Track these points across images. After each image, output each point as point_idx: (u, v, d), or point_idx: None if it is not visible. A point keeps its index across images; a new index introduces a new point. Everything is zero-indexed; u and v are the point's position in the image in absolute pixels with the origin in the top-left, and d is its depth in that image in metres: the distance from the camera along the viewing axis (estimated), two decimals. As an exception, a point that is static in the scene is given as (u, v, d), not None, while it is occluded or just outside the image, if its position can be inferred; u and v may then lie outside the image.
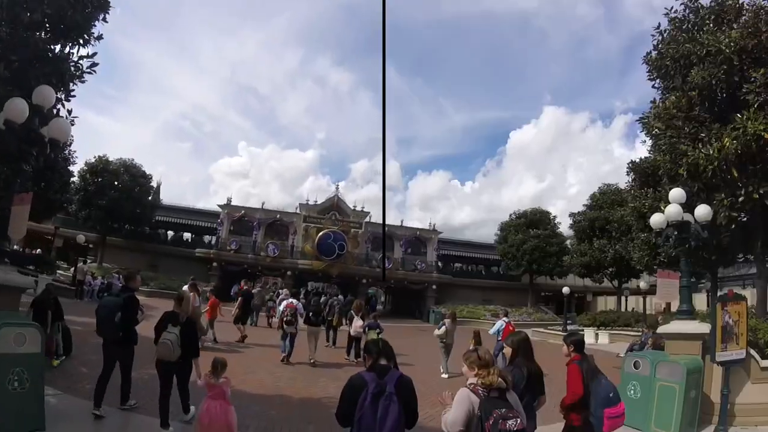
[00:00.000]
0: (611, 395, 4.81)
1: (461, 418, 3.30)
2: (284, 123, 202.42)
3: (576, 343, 5.31)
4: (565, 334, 6.29)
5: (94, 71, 8.90)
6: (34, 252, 30.60)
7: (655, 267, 21.82)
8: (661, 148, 14.06)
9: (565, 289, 29.85)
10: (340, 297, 28.46)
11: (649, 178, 21.46)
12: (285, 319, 12.67)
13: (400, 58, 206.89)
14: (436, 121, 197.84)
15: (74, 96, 8.95)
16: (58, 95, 8.06)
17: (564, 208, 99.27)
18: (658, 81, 15.97)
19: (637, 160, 22.50)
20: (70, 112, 8.70)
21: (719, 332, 7.92)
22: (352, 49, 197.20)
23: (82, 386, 8.04)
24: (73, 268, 26.32)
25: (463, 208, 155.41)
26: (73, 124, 8.27)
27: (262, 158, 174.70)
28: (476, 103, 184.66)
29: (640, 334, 21.62)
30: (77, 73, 8.62)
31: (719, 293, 9.62)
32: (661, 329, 9.82)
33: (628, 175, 23.23)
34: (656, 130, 13.92)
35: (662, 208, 14.16)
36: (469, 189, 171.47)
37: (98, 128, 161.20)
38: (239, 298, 16.54)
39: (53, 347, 9.18)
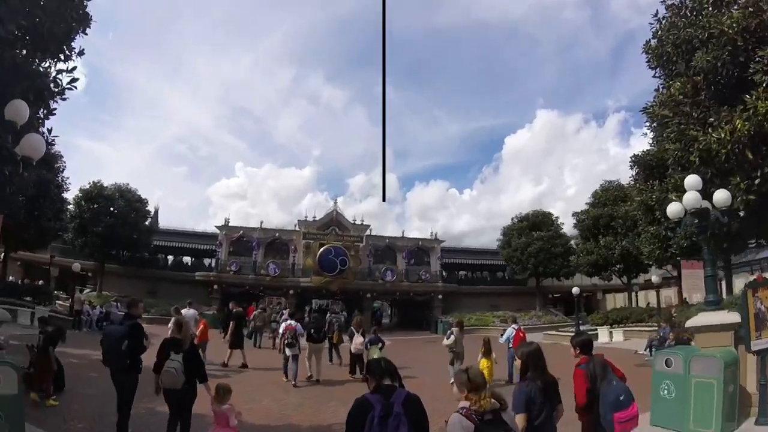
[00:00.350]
0: (621, 398, 4.61)
1: None
2: (280, 141, 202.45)
3: (581, 344, 5.18)
4: (572, 335, 6.00)
5: (75, 87, 8.43)
6: (35, 283, 30.03)
7: (666, 260, 21.41)
8: (669, 136, 13.59)
9: (575, 290, 29.21)
10: (342, 315, 27.82)
11: (654, 170, 21.04)
12: (286, 342, 12.78)
13: (393, 70, 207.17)
14: (431, 132, 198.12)
15: (54, 114, 8.57)
16: (39, 114, 7.81)
17: (563, 209, 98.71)
18: (658, 70, 15.61)
19: (640, 153, 22.19)
20: (50, 131, 8.27)
21: (752, 320, 7.54)
22: (344, 64, 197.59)
23: (73, 425, 7.53)
24: (70, 298, 25.71)
25: (462, 217, 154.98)
26: (53, 144, 7.81)
27: (259, 178, 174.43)
28: (470, 111, 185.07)
29: (656, 329, 21.17)
30: (56, 90, 8.13)
31: (749, 279, 9.09)
32: (690, 322, 9.28)
33: (632, 168, 22.85)
34: (663, 118, 13.45)
35: (673, 198, 13.80)
36: (468, 197, 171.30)
37: (93, 154, 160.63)
38: (231, 322, 15.63)
39: (49, 386, 8.75)
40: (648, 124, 21.89)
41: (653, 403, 8.03)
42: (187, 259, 43.85)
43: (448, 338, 13.36)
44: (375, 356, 11.68)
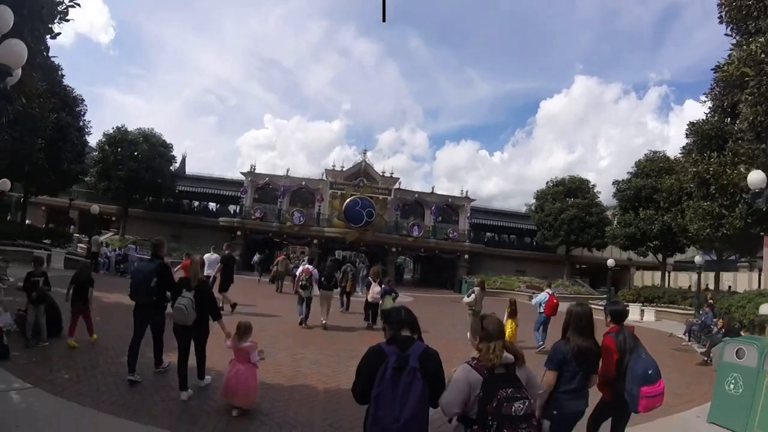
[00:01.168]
0: (650, 372, 4.34)
1: (458, 399, 3.03)
2: (309, 95, 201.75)
3: (614, 313, 4.85)
4: (607, 303, 5.49)
5: (77, 4, 7.49)
6: (58, 226, 29.95)
7: (716, 240, 19.92)
8: (747, 98, 12.07)
9: (610, 261, 28.01)
10: (364, 266, 27.29)
11: (712, 141, 19.49)
12: (300, 284, 13.12)
13: (425, 27, 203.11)
14: (464, 91, 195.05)
15: (56, 36, 7.80)
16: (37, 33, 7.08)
17: (595, 180, 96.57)
18: (730, 27, 14.10)
19: (699, 121, 20.54)
20: (47, 50, 7.43)
21: None
22: (375, 19, 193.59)
23: (58, 377, 6.77)
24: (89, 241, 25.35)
25: (491, 179, 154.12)
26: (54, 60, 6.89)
27: (287, 130, 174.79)
28: (504, 72, 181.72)
29: (692, 312, 20.06)
30: (56, 9, 7.25)
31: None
32: (764, 308, 8.09)
33: (687, 137, 21.29)
34: (743, 76, 11.97)
35: (742, 170, 12.45)
36: (498, 159, 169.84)
37: (123, 106, 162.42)
38: (219, 265, 15.13)
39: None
40: (709, 91, 20.49)
41: (715, 398, 7.16)
42: (212, 205, 43.58)
43: (468, 296, 13.40)
44: (388, 306, 12.17)
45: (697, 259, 22.41)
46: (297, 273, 14.15)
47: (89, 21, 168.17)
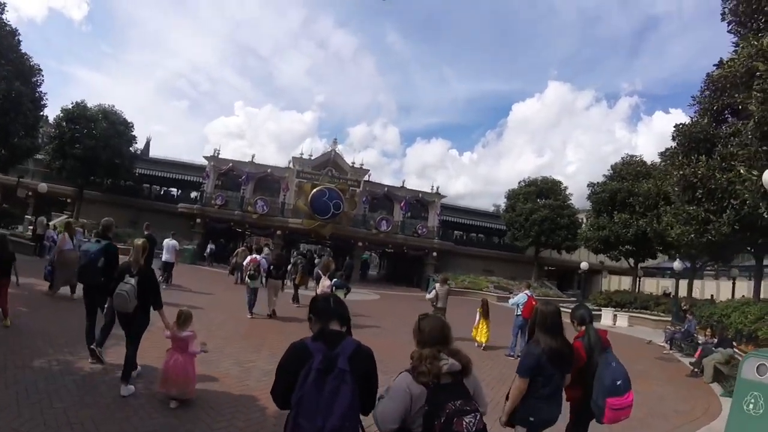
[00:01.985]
0: (619, 383, 4.17)
1: (397, 411, 2.59)
2: (283, 84, 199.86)
3: (578, 318, 4.65)
4: (572, 308, 5.06)
5: None
6: (2, 206, 27.83)
7: (700, 246, 19.28)
8: (756, 95, 11.24)
9: (584, 264, 27.53)
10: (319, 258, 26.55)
11: (700, 144, 18.87)
12: (248, 273, 13.42)
13: (404, 22, 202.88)
14: (439, 89, 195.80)
15: None
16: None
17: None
18: (733, 25, 13.43)
19: (687, 124, 19.96)
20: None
21: None
22: (356, 9, 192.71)
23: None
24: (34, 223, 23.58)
25: (460, 179, 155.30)
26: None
27: (259, 119, 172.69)
28: (480, 72, 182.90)
29: (675, 320, 19.48)
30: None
31: None
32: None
33: (673, 140, 20.67)
34: (751, 72, 11.17)
35: (742, 172, 11.82)
36: (467, 159, 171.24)
37: (92, 85, 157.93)
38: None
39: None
40: (699, 93, 19.90)
41: (731, 418, 6.27)
42: (174, 191, 41.52)
43: (429, 293, 13.56)
44: None
45: (676, 264, 21.91)
46: (244, 263, 14.38)
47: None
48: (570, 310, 4.90)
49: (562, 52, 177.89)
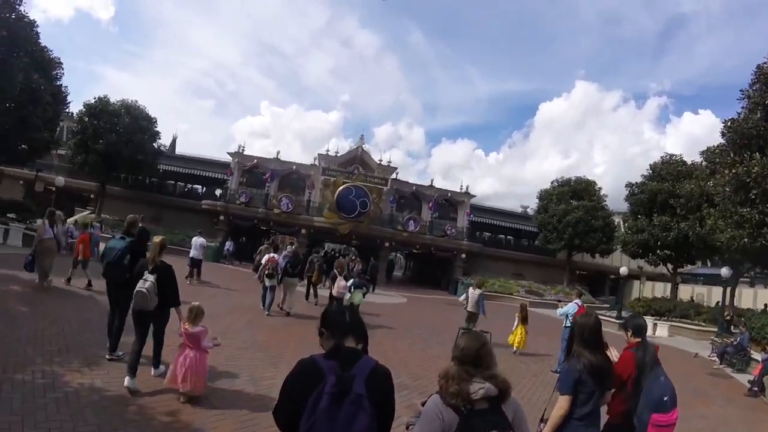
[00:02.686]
0: (666, 399, 3.97)
1: None
2: (308, 83, 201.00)
3: (636, 327, 4.46)
4: (627, 316, 5.04)
5: None
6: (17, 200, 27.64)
7: (753, 251, 17.90)
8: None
9: (623, 270, 26.16)
10: (354, 258, 26.07)
11: (752, 141, 17.50)
12: (266, 272, 13.42)
13: (427, 21, 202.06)
14: (463, 89, 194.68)
15: None
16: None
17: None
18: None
19: (737, 119, 18.56)
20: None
21: None
22: (379, 10, 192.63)
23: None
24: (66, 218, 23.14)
25: (485, 179, 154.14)
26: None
27: (284, 119, 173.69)
28: (504, 72, 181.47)
29: (722, 332, 18.42)
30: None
31: None
32: None
33: (723, 136, 19.29)
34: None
35: None
36: (493, 160, 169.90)
37: (119, 84, 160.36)
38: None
39: None
40: (748, 87, 18.56)
41: None
42: (199, 187, 41.15)
43: (460, 296, 13.87)
44: (356, 301, 12.57)
45: (724, 271, 20.53)
46: (263, 261, 14.28)
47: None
48: (624, 319, 4.73)
49: (588, 52, 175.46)
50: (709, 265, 32.20)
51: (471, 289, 13.26)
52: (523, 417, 2.49)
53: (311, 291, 17.58)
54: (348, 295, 13.37)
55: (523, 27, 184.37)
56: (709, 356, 16.30)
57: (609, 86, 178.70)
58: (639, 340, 4.36)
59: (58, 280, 12.13)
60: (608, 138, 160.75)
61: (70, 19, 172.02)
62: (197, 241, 18.14)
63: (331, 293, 13.94)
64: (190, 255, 17.94)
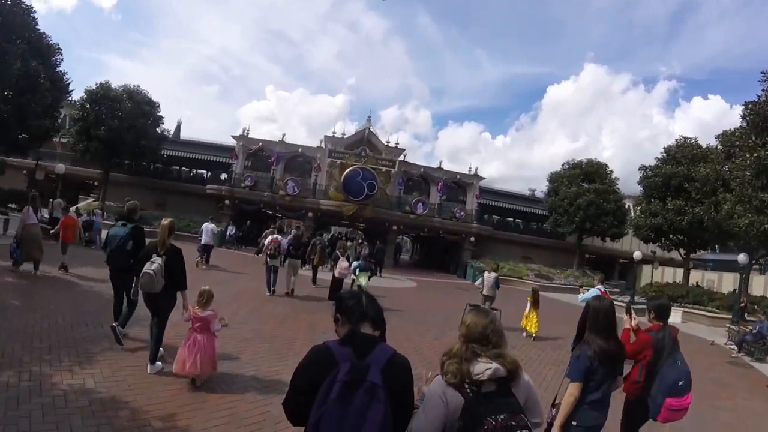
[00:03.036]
0: (681, 383, 4.02)
1: (432, 427, 2.16)
2: (314, 68, 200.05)
3: (658, 308, 4.54)
4: (649, 298, 5.11)
5: None
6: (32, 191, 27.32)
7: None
8: None
9: (637, 254, 25.67)
10: (361, 241, 25.81)
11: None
12: (269, 252, 13.62)
13: (436, 4, 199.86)
14: (471, 72, 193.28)
15: None
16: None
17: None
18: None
19: (760, 101, 17.93)
20: None
21: None
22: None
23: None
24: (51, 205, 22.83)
25: (492, 163, 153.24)
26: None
27: (290, 103, 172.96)
28: (513, 55, 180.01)
29: (738, 319, 18.49)
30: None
31: None
32: None
33: (744, 119, 18.66)
34: None
35: None
36: (500, 143, 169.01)
37: (124, 72, 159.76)
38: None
39: None
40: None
41: None
42: (204, 172, 40.53)
43: (476, 281, 14.20)
44: (362, 283, 12.84)
45: (741, 258, 19.95)
46: (266, 242, 14.42)
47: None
48: (646, 301, 4.84)
49: (598, 35, 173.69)
50: (717, 250, 31.60)
51: (486, 273, 13.43)
52: (537, 401, 2.35)
53: (314, 273, 17.74)
54: (352, 277, 13.79)
55: (532, 10, 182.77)
56: (725, 344, 16.00)
57: (618, 69, 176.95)
58: (661, 324, 4.40)
59: (51, 269, 11.89)
60: (617, 122, 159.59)
61: (73, 9, 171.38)
62: (208, 227, 18.48)
63: (333, 275, 14.19)
64: (202, 241, 18.25)
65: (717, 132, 21.41)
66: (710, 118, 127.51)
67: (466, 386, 2.18)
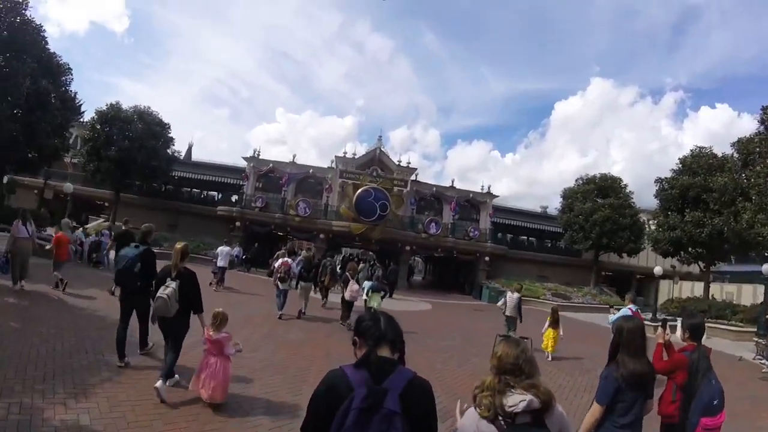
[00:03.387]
0: (715, 402, 3.93)
1: None
2: (322, 89, 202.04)
3: (694, 327, 4.33)
4: (685, 316, 4.51)
5: None
6: (41, 210, 27.19)
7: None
8: None
9: (657, 269, 24.95)
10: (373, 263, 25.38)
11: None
12: (279, 276, 13.71)
13: (439, 23, 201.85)
14: (477, 89, 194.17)
15: None
16: None
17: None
18: None
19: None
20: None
21: None
22: (391, 13, 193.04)
23: None
24: (80, 227, 22.63)
25: (502, 180, 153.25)
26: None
27: (299, 125, 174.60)
28: (519, 71, 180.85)
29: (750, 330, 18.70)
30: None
31: None
32: None
33: (762, 123, 18.19)
34: None
35: None
36: (510, 161, 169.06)
37: (135, 95, 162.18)
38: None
39: None
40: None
41: None
42: (215, 194, 40.42)
43: (499, 302, 14.00)
44: (374, 305, 12.45)
45: (765, 268, 19.27)
46: (276, 265, 14.43)
47: (104, 8, 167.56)
48: (681, 319, 4.60)
49: (603, 48, 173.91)
50: (733, 262, 30.83)
51: (509, 293, 13.47)
52: (570, 430, 2.32)
53: (324, 295, 17.60)
54: (364, 298, 13.47)
55: (536, 25, 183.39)
56: (754, 359, 15.39)
57: (624, 82, 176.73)
58: (695, 344, 4.27)
59: (51, 289, 11.79)
60: (625, 135, 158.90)
61: (86, 32, 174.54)
62: (224, 250, 18.88)
63: (343, 297, 13.95)
64: (218, 264, 18.47)
65: (726, 141, 21.06)
66: (719, 127, 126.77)
67: (500, 418, 2.15)
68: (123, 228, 14.47)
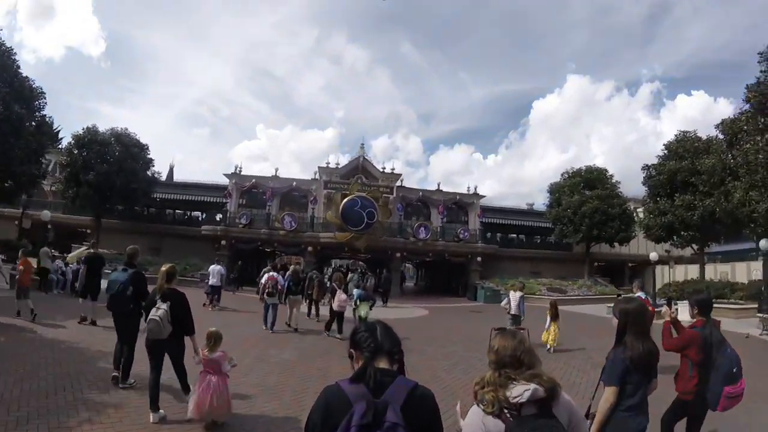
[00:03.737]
0: (734, 370, 4.12)
1: None
2: (301, 103, 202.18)
3: (701, 303, 4.60)
4: (691, 293, 4.95)
5: None
6: (21, 240, 26.31)
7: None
8: None
9: (653, 255, 24.91)
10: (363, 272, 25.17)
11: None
12: (267, 291, 13.70)
13: (416, 31, 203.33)
14: (457, 95, 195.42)
15: None
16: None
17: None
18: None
19: (758, 82, 17.31)
20: None
21: None
22: (366, 24, 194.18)
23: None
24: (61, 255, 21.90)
25: (486, 182, 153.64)
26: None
27: (280, 140, 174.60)
28: (497, 75, 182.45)
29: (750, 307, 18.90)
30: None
31: None
32: None
33: (747, 101, 18.04)
34: None
35: None
36: (492, 162, 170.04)
37: (115, 119, 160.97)
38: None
39: None
40: (766, 49, 17.35)
41: None
42: (198, 214, 39.76)
43: (503, 302, 14.33)
44: (362, 314, 12.24)
45: (763, 243, 19.15)
46: (263, 281, 14.40)
47: (79, 32, 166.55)
48: (688, 297, 4.77)
49: (578, 45, 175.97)
50: (722, 242, 30.80)
51: (512, 293, 13.69)
52: (581, 419, 2.27)
53: (313, 307, 17.57)
54: (353, 307, 13.38)
55: (511, 28, 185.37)
56: (760, 335, 15.51)
57: (601, 78, 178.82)
58: (705, 319, 4.47)
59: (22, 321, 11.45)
60: (604, 129, 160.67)
61: (61, 58, 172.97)
62: (215, 268, 18.77)
63: (331, 308, 13.76)
64: (210, 283, 18.48)
65: (704, 125, 21.00)
66: (696, 113, 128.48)
67: (506, 412, 2.07)
68: (92, 251, 14.45)
